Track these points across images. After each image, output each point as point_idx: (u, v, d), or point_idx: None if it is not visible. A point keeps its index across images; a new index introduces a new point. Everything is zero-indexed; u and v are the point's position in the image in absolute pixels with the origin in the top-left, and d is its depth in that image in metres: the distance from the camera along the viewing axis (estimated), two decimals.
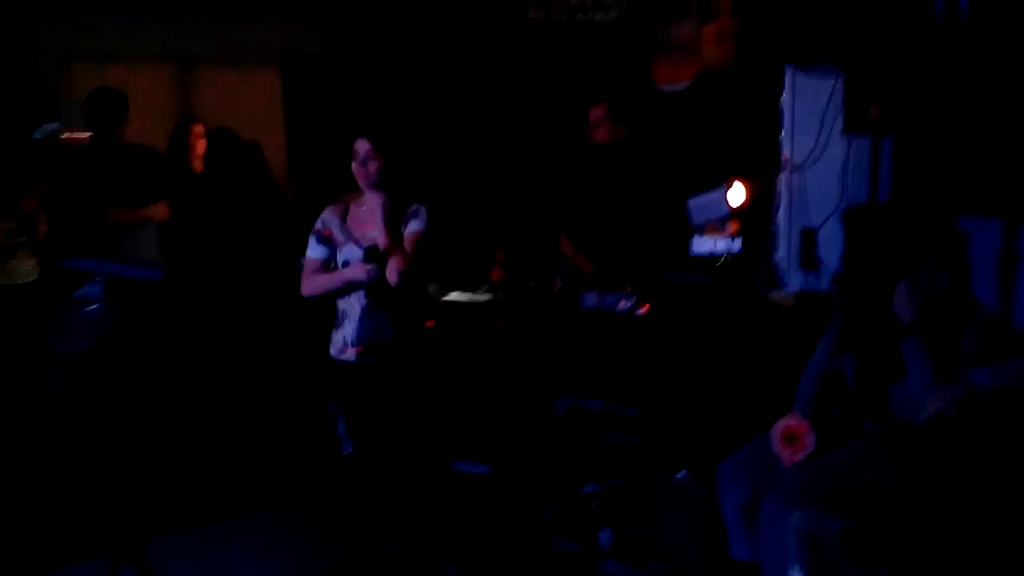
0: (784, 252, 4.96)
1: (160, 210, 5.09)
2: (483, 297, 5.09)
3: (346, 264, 3.80)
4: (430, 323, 4.46)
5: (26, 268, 4.78)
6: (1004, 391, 3.00)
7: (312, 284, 3.86)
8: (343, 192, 3.97)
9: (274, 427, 5.25)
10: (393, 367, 3.84)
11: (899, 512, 3.06)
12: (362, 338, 3.81)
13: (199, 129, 5.86)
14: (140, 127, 5.33)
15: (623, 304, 4.63)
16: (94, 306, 3.77)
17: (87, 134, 5.22)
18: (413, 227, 3.80)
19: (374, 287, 3.74)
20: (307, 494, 4.86)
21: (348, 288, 3.79)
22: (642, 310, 4.60)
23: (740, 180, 4.70)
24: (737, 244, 4.62)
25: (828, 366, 3.51)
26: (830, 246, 4.67)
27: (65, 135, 5.83)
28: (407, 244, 3.74)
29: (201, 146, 5.88)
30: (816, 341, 3.58)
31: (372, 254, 3.68)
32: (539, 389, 4.79)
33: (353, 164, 3.78)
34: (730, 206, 4.58)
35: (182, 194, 5.29)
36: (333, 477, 4.88)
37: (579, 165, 5.31)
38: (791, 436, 3.33)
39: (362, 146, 3.76)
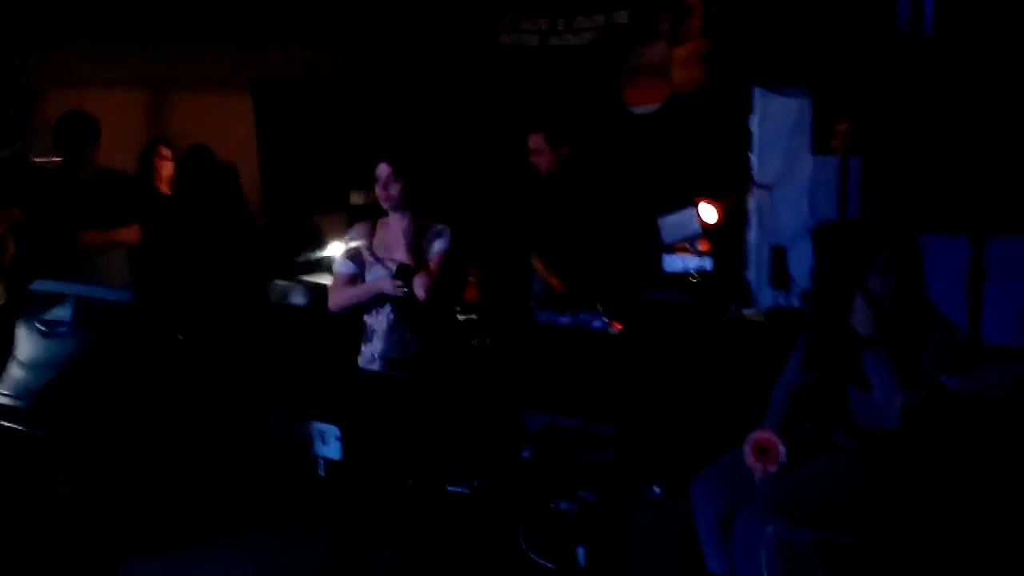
0: (755, 270, 5.01)
1: (131, 233, 5.06)
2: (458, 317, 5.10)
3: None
4: (475, 341, 4.68)
5: None
6: (973, 399, 3.05)
7: (340, 297, 4.00)
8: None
9: (247, 447, 5.22)
10: (417, 381, 3.95)
11: (871, 523, 3.08)
12: (389, 352, 3.92)
13: (166, 152, 5.93)
14: (112, 152, 5.31)
15: (596, 322, 4.65)
16: (63, 328, 3.74)
17: (58, 158, 5.19)
18: (438, 247, 3.91)
19: (402, 303, 3.86)
20: (286, 512, 4.83)
21: (375, 302, 3.92)
22: (615, 328, 4.63)
23: (710, 200, 4.74)
24: (708, 262, 4.66)
25: (798, 381, 3.54)
26: (800, 264, 4.72)
27: (37, 159, 5.82)
28: (433, 264, 3.87)
29: (167, 169, 5.93)
30: (787, 357, 3.62)
31: (402, 272, 3.80)
32: (513, 408, 4.79)
33: (376, 187, 3.91)
34: (701, 224, 4.62)
35: (151, 217, 5.28)
36: (314, 495, 4.90)
37: (538, 189, 5.36)
38: (763, 449, 3.34)
39: (383, 170, 3.89)
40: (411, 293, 3.80)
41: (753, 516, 3.20)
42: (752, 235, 5.04)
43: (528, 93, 6.58)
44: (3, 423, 3.63)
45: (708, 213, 4.69)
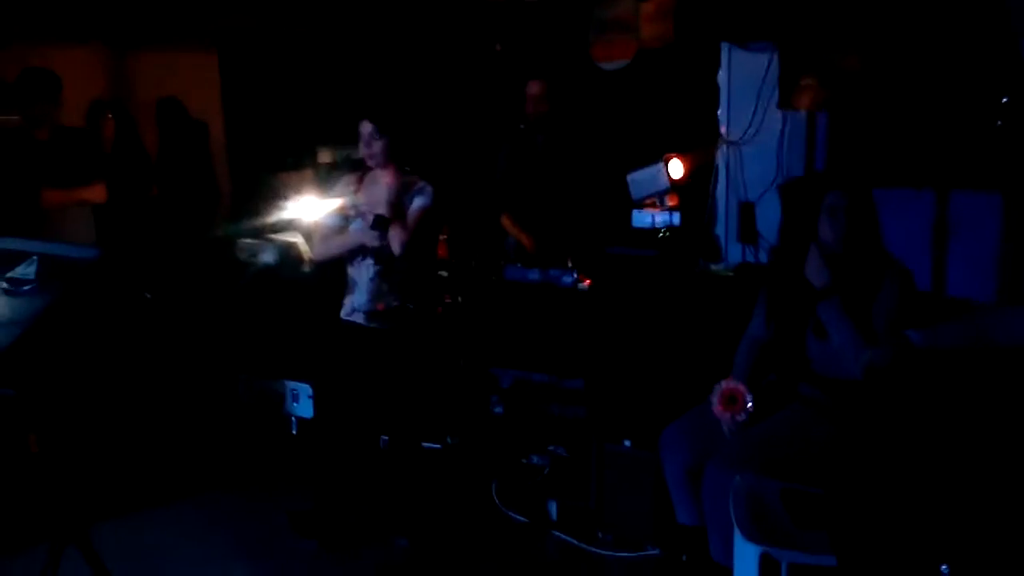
0: (723, 226, 5.02)
1: (95, 192, 4.99)
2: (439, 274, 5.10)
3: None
4: (447, 298, 4.79)
5: None
6: (937, 351, 3.08)
7: (325, 247, 4.17)
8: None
9: (217, 406, 5.21)
10: (396, 335, 4.06)
11: (837, 471, 3.13)
12: (369, 304, 4.05)
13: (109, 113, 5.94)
14: (71, 111, 5.22)
15: (566, 278, 4.66)
16: (28, 287, 3.68)
17: (16, 116, 5.09)
18: (418, 203, 3.99)
19: (383, 256, 3.96)
20: (258, 472, 4.84)
21: (357, 254, 4.04)
22: (584, 283, 4.64)
23: (678, 155, 4.75)
24: (676, 218, 4.68)
25: (761, 335, 3.58)
26: (768, 219, 4.75)
27: None
28: (411, 218, 3.95)
29: (110, 129, 5.90)
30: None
31: (379, 222, 3.89)
32: (484, 364, 4.82)
33: (360, 145, 4.00)
34: (670, 180, 4.63)
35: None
36: (285, 454, 4.91)
37: (516, 144, 5.35)
38: (730, 398, 3.38)
39: (365, 127, 3.98)
40: (387, 244, 3.89)
41: (721, 467, 3.24)
42: (719, 190, 5.05)
43: (495, 50, 6.53)
44: None
45: (676, 169, 4.70)
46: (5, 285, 4.00)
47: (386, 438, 4.31)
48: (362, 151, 4.02)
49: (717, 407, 3.40)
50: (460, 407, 4.85)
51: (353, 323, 4.11)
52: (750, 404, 3.35)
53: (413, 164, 4.12)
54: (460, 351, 4.89)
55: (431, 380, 4.57)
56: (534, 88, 5.25)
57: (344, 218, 4.05)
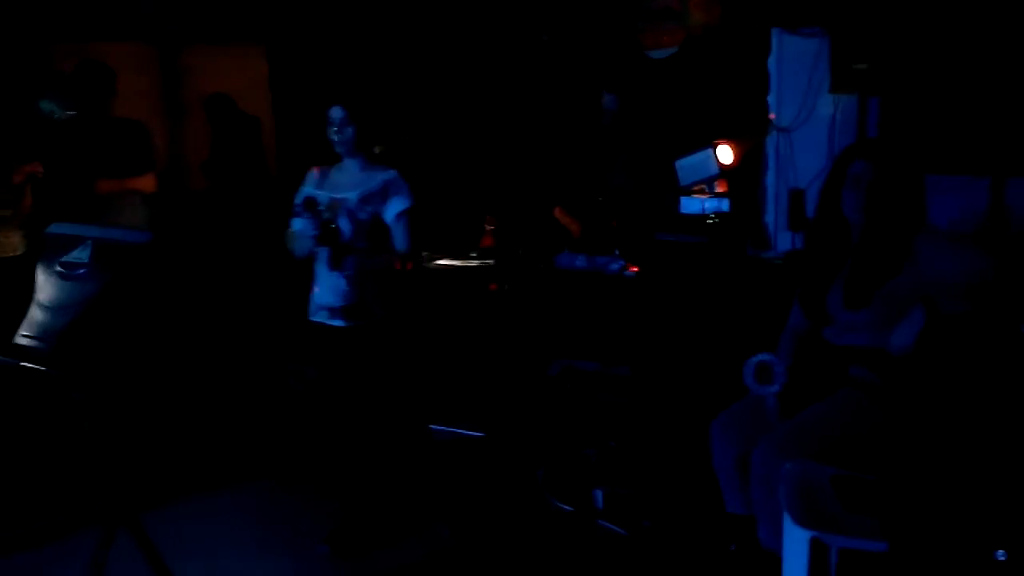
0: (772, 213, 4.97)
1: (147, 182, 5.08)
2: (473, 263, 5.11)
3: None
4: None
5: (13, 243, 4.78)
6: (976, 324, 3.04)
7: (301, 245, 3.90)
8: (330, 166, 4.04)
9: (261, 395, 5.26)
10: (360, 331, 3.89)
11: (888, 456, 3.08)
12: (328, 301, 3.89)
13: None
14: (123, 103, 5.30)
15: (613, 265, 4.64)
16: (82, 270, 3.75)
17: (74, 110, 5.19)
18: (399, 205, 3.86)
19: (328, 250, 3.77)
20: (298, 463, 4.87)
21: (307, 244, 3.82)
22: (631, 271, 4.62)
23: (727, 141, 4.70)
24: (725, 204, 4.64)
25: (800, 323, 3.52)
26: None
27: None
28: (399, 226, 3.84)
29: None
30: None
31: (309, 204, 3.73)
32: (531, 351, 4.81)
33: (329, 130, 3.87)
34: (719, 166, 4.59)
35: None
36: (322, 444, 4.93)
37: (577, 137, 5.35)
38: (763, 369, 3.35)
39: (336, 112, 3.84)
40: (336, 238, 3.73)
41: (770, 453, 3.20)
42: (770, 178, 5.00)
43: (543, 40, 6.52)
44: (27, 364, 3.65)
45: (725, 154, 4.66)
46: (60, 269, 4.09)
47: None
48: (331, 137, 3.87)
49: (749, 379, 3.38)
50: (506, 395, 4.84)
51: (318, 323, 3.94)
52: (783, 375, 3.31)
53: (464, 157, 4.03)
54: (507, 339, 4.89)
55: (410, 371, 4.46)
56: (613, 99, 5.22)
57: (312, 214, 3.79)
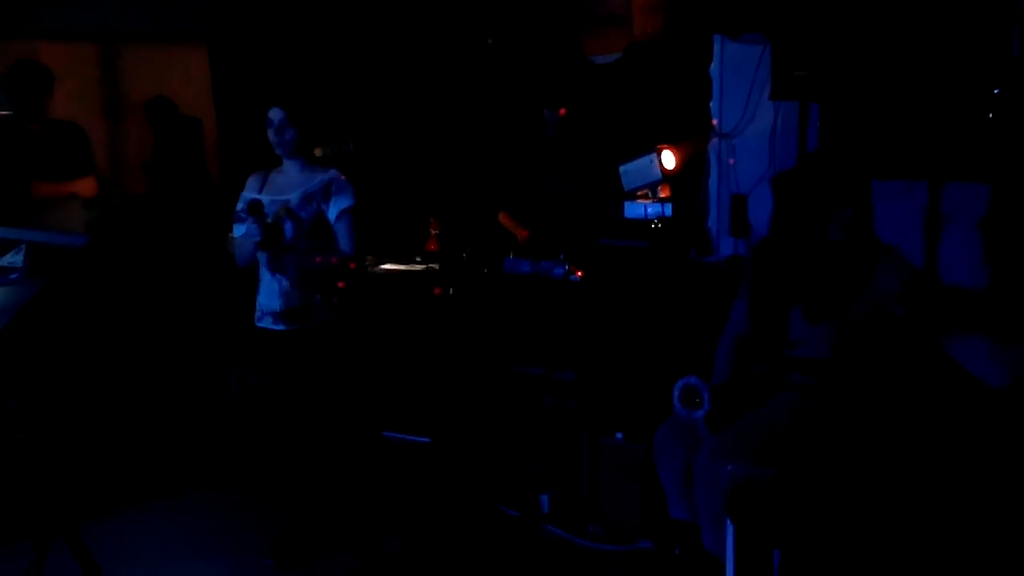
0: (715, 218, 5.01)
1: (85, 186, 4.98)
2: (417, 267, 5.09)
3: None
4: (341, 283, 4.42)
5: None
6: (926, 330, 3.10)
7: (241, 253, 3.89)
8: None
9: (205, 402, 5.19)
10: (305, 335, 3.87)
11: (828, 457, 3.13)
12: (271, 305, 3.86)
13: None
14: (61, 103, 5.19)
15: (558, 270, 4.64)
16: (15, 275, 3.67)
17: (7, 110, 5.08)
18: (342, 204, 3.85)
19: (270, 253, 3.76)
20: (242, 471, 4.81)
21: (251, 249, 3.79)
22: (576, 275, 4.63)
23: (670, 146, 4.73)
24: (669, 209, 4.66)
25: (742, 329, 3.56)
26: (760, 212, 4.73)
27: None
28: (344, 225, 3.83)
29: None
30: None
31: (254, 208, 3.68)
32: (476, 356, 4.80)
33: (269, 132, 3.85)
34: (662, 171, 4.61)
35: None
36: (266, 452, 4.87)
37: (525, 148, 5.34)
38: (689, 394, 3.34)
39: (276, 114, 3.82)
40: (265, 235, 3.69)
41: (713, 457, 3.23)
42: (712, 183, 5.04)
43: (487, 44, 6.52)
44: None
45: (668, 159, 4.68)
46: None
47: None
48: (271, 138, 3.86)
49: (677, 405, 3.36)
50: (451, 400, 4.83)
51: (263, 329, 3.91)
52: (708, 402, 3.30)
53: (407, 160, 4.03)
54: (452, 344, 4.87)
55: (360, 374, 4.44)
56: (553, 115, 5.21)
57: (257, 219, 3.74)
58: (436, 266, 5.06)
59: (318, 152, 6.44)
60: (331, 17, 6.85)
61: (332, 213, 3.85)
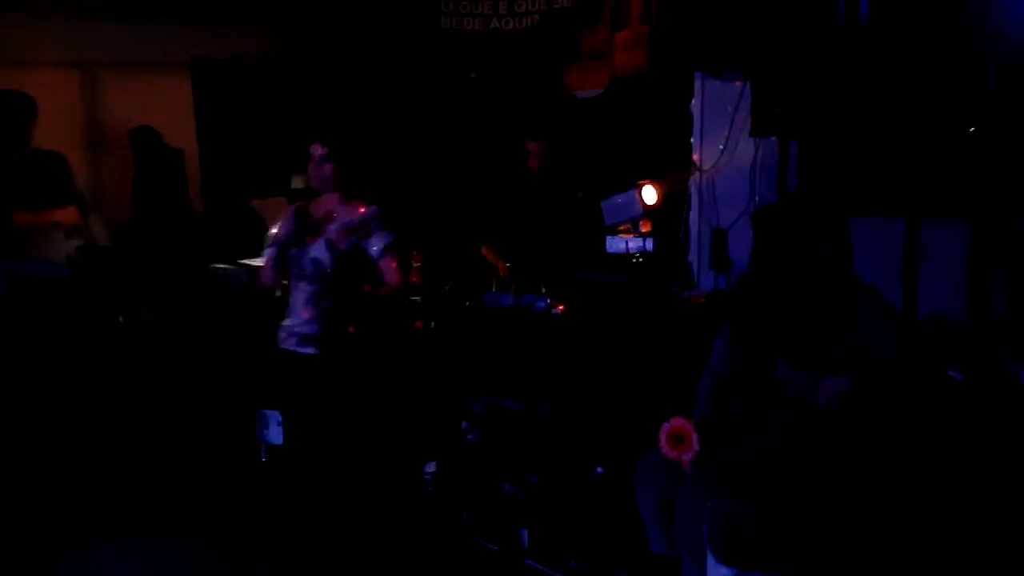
0: (695, 252, 5.05)
1: (67, 214, 4.97)
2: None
3: (315, 261, 3.95)
4: (351, 328, 4.47)
5: None
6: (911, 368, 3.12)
7: (264, 273, 4.13)
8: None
9: (189, 432, 5.15)
10: (330, 360, 4.01)
11: (808, 494, 3.14)
12: (301, 328, 4.00)
13: None
14: (43, 133, 5.18)
15: (539, 304, 4.66)
16: None
17: None
18: (382, 241, 4.01)
19: (317, 275, 3.94)
20: (220, 508, 4.75)
21: (294, 274, 3.98)
22: (558, 309, 4.64)
23: (651, 182, 4.77)
24: (650, 244, 4.70)
25: (725, 367, 3.54)
26: (740, 247, 4.77)
27: None
28: (386, 263, 4.01)
29: None
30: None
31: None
32: (456, 389, 4.79)
33: (309, 167, 4.01)
34: (643, 206, 4.65)
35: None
36: (251, 487, 4.83)
37: (508, 184, 5.35)
38: (677, 437, 3.33)
39: (317, 150, 3.99)
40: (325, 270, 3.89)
41: (694, 492, 3.23)
42: (692, 218, 5.08)
43: (470, 78, 6.57)
44: None
45: (650, 194, 4.72)
46: None
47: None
48: (311, 173, 4.03)
49: (664, 447, 3.34)
50: (431, 433, 4.81)
51: (286, 351, 4.05)
52: (697, 444, 3.28)
53: (376, 193, 4.12)
54: (432, 376, 4.87)
55: (386, 405, 4.50)
56: (535, 147, 5.20)
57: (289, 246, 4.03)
58: (418, 299, 5.06)
59: (298, 184, 6.50)
60: (316, 48, 6.91)
61: (375, 249, 4.00)
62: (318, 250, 3.96)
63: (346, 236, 3.97)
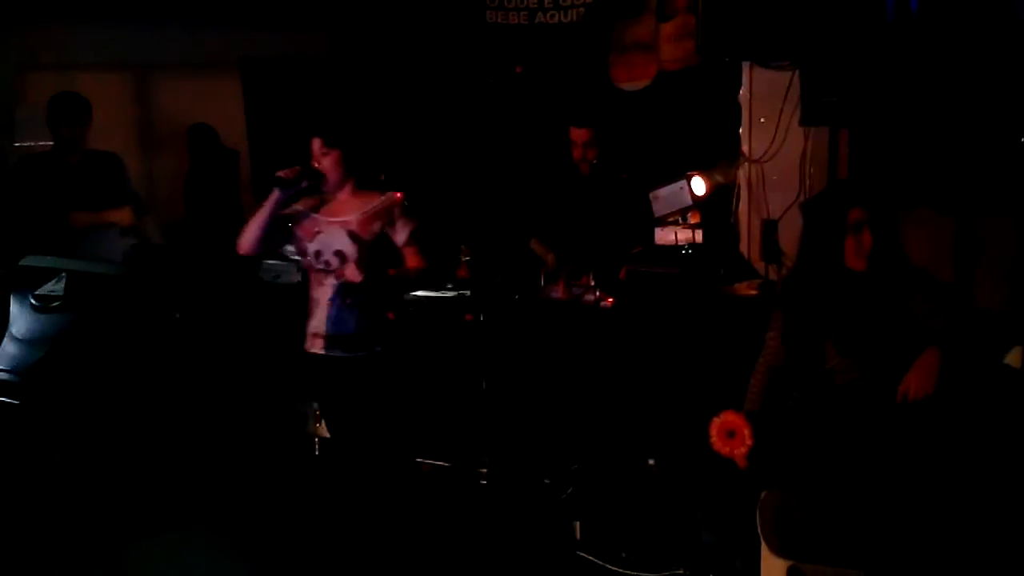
0: (746, 244, 5.02)
1: (123, 215, 5.06)
2: (449, 294, 5.11)
3: (339, 254, 3.82)
4: (391, 315, 4.46)
5: None
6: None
7: (245, 232, 3.85)
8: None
9: (244, 426, 5.22)
10: (359, 361, 3.88)
11: (865, 484, 3.11)
12: (326, 329, 3.87)
13: None
14: (97, 135, 5.28)
15: (588, 296, 4.66)
16: (56, 303, 3.74)
17: (48, 141, 5.18)
18: (410, 225, 3.92)
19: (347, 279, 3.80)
20: (279, 494, 4.81)
21: (319, 276, 3.85)
22: (607, 302, 4.64)
23: (700, 173, 4.75)
24: (699, 235, 4.68)
25: (775, 360, 3.52)
26: (790, 238, 4.73)
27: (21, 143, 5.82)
28: (411, 247, 3.90)
29: None
30: None
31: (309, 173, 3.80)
32: (508, 381, 4.81)
33: (313, 163, 3.91)
34: (692, 197, 4.63)
35: None
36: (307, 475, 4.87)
37: (555, 178, 5.34)
38: (729, 432, 3.28)
39: (315, 144, 3.91)
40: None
41: (745, 484, 3.23)
42: (742, 208, 5.05)
43: (516, 72, 6.58)
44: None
45: (699, 185, 4.70)
46: (34, 302, 4.08)
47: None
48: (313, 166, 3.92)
49: (716, 443, 3.28)
50: (484, 427, 4.83)
51: (314, 354, 3.92)
52: (750, 438, 3.23)
53: (427, 188, 4.06)
54: (483, 370, 4.89)
55: (411, 402, 4.45)
56: (579, 134, 5.13)
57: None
58: (467, 293, 5.08)
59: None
60: (364, 47, 6.95)
61: (401, 236, 3.91)
62: (341, 242, 3.82)
63: (369, 224, 3.86)
